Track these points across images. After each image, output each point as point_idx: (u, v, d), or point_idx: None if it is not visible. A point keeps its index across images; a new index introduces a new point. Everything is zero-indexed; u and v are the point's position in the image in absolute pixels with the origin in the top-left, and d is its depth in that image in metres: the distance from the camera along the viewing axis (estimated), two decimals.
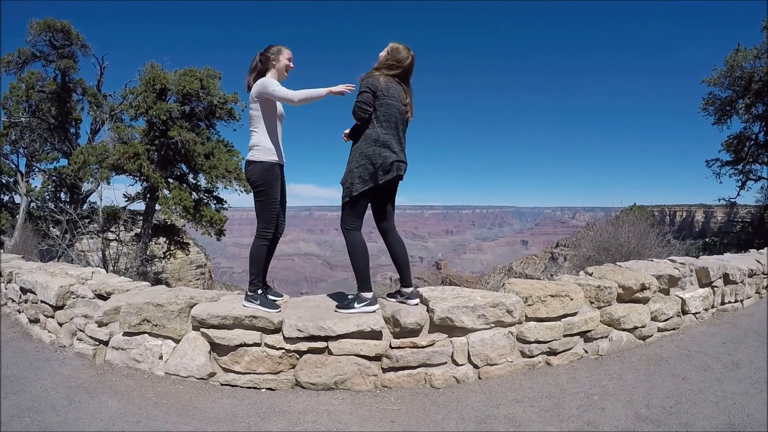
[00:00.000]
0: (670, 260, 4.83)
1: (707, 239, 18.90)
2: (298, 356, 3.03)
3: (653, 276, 4.01)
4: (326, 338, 2.99)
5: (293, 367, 3.05)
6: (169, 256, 16.25)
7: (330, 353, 3.01)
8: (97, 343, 3.49)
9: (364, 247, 3.25)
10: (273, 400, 2.88)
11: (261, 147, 3.28)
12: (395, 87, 3.22)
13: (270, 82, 3.22)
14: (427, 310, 3.17)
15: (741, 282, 4.86)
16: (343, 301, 3.31)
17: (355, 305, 3.18)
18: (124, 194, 14.40)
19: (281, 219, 3.48)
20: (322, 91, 3.15)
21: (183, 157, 14.16)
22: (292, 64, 3.40)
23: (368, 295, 3.22)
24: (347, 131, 3.45)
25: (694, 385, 3.06)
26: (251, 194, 3.42)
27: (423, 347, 3.06)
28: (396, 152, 3.22)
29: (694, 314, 4.29)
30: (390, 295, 3.52)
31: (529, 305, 3.32)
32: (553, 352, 3.38)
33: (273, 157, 3.30)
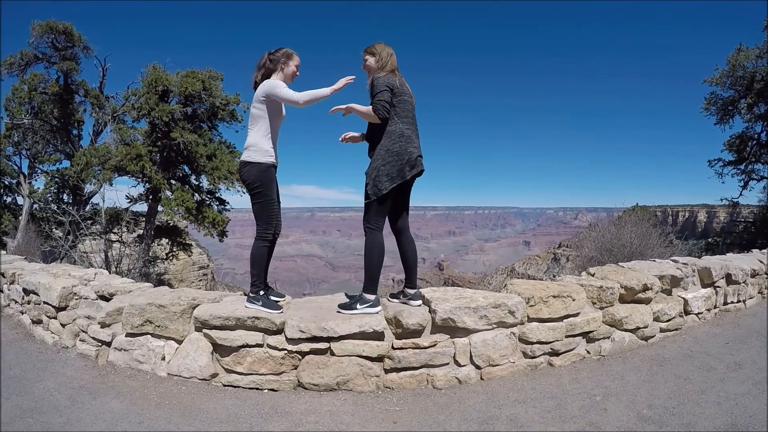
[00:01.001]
0: (673, 260, 4.82)
1: (710, 239, 18.82)
2: (300, 357, 3.04)
3: (655, 276, 4.01)
4: (328, 339, 3.00)
5: (295, 368, 3.05)
6: (171, 258, 16.27)
7: (332, 354, 3.01)
8: (100, 344, 3.50)
9: (381, 249, 3.25)
10: (275, 401, 2.89)
11: (258, 148, 3.28)
12: (406, 83, 3.27)
13: (277, 84, 3.24)
14: (430, 311, 3.17)
15: (743, 282, 4.85)
16: (345, 302, 3.31)
17: (358, 306, 3.18)
18: (126, 195, 14.46)
19: (278, 219, 3.48)
20: (326, 90, 3.16)
21: (185, 158, 14.19)
22: (298, 72, 3.42)
23: (371, 296, 3.22)
24: (353, 134, 3.45)
25: (696, 385, 3.06)
26: None
27: (425, 348, 3.06)
28: (417, 147, 3.23)
29: (696, 315, 4.28)
30: (393, 296, 3.53)
31: (532, 306, 3.32)
32: (555, 353, 3.38)
33: (269, 159, 3.31)
